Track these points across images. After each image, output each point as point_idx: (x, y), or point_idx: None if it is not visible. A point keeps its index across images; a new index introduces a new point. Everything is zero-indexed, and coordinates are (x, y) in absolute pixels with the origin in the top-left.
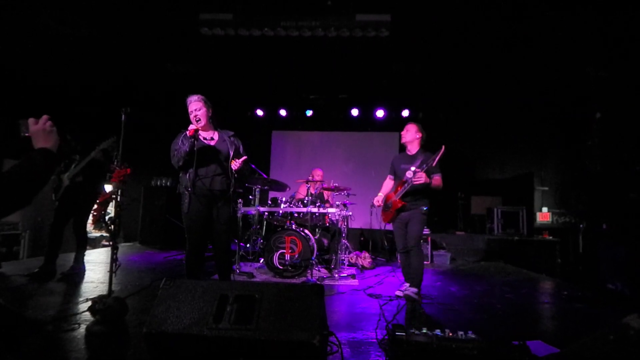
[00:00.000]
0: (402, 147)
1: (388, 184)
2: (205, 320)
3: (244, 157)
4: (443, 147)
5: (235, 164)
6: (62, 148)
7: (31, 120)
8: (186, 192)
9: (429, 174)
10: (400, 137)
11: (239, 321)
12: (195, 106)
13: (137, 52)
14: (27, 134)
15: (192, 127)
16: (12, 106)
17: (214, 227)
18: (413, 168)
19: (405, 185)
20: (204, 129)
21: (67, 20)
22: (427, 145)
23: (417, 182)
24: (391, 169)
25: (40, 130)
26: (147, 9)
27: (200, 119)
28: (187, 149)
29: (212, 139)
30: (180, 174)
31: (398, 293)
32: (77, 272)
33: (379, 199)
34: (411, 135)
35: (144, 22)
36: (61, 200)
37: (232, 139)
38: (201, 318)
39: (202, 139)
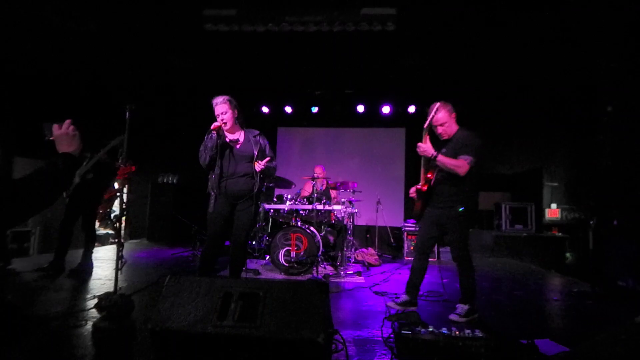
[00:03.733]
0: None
1: None
2: (209, 317)
3: (268, 158)
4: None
5: (258, 166)
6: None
7: (55, 126)
8: (212, 193)
9: (455, 153)
10: (406, 133)
11: (243, 319)
12: (221, 109)
13: (142, 48)
14: (51, 138)
15: (215, 123)
16: (20, 104)
17: (235, 225)
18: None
19: (436, 172)
20: (230, 130)
21: (70, 14)
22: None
23: (439, 163)
24: None
25: (63, 135)
26: (152, 5)
27: (226, 122)
28: (212, 145)
29: (237, 140)
30: (208, 175)
31: (391, 305)
32: (85, 269)
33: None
34: (445, 117)
35: (149, 19)
36: (72, 197)
37: (257, 138)
38: (205, 315)
39: (227, 140)
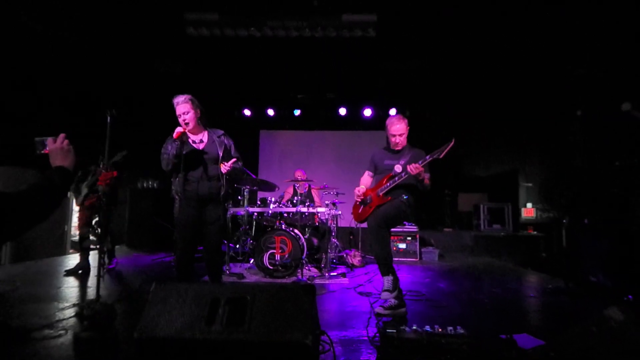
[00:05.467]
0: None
1: (366, 179)
2: (197, 323)
3: (234, 159)
4: (453, 140)
5: (224, 167)
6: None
7: (50, 140)
8: (176, 198)
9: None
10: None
11: (231, 323)
12: (183, 109)
13: (122, 52)
14: (44, 152)
15: (178, 129)
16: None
17: (205, 229)
18: (402, 162)
19: (396, 179)
20: (193, 131)
21: (49, 21)
22: (413, 143)
23: (414, 173)
24: (371, 165)
25: (58, 149)
26: (132, 9)
27: (188, 123)
28: (175, 153)
29: (201, 141)
30: (172, 178)
31: (379, 310)
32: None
33: (361, 190)
34: (403, 129)
35: (129, 22)
36: (82, 206)
37: (221, 138)
38: (193, 321)
39: (190, 142)
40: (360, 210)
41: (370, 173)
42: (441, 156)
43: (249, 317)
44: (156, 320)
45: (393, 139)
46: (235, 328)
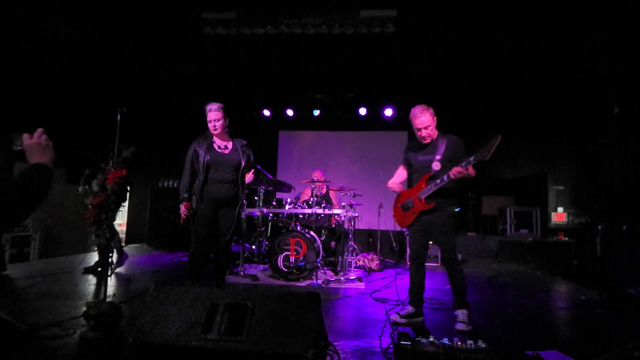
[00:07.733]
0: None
1: (401, 174)
2: (194, 330)
3: (252, 170)
4: (499, 137)
5: (248, 178)
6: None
7: (25, 135)
8: (194, 198)
9: (459, 163)
10: (408, 136)
11: (229, 332)
12: (215, 116)
13: (140, 53)
14: (19, 148)
15: (184, 213)
16: (17, 111)
17: (218, 229)
18: (438, 157)
19: (437, 181)
20: (219, 137)
21: (70, 21)
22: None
23: (458, 177)
24: (404, 161)
25: (35, 145)
26: (149, 10)
27: (217, 129)
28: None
29: (225, 147)
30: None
31: (395, 318)
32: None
33: (396, 182)
34: (429, 120)
35: (146, 23)
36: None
37: (244, 148)
38: (189, 328)
39: (216, 147)
40: (401, 215)
41: (405, 168)
42: (488, 157)
43: (247, 326)
44: (152, 325)
45: (419, 133)
46: (232, 337)
